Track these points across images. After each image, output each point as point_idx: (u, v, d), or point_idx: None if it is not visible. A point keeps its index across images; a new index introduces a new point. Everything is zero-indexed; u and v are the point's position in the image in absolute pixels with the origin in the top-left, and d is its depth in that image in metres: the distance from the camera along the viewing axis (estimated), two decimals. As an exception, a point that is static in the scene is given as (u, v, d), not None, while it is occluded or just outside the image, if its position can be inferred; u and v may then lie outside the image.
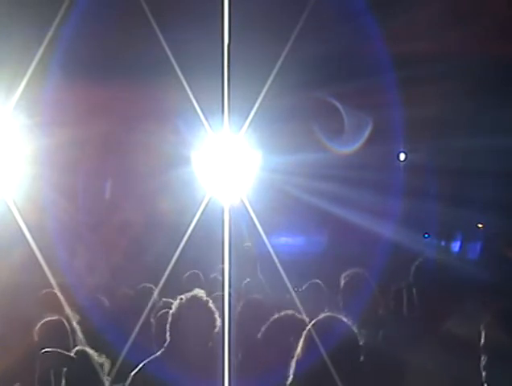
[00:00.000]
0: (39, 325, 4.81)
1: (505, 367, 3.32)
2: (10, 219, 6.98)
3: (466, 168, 12.60)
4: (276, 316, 3.11)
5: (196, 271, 7.38)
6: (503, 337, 3.50)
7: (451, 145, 12.47)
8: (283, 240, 13.77)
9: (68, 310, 5.31)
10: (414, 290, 4.79)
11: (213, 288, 6.45)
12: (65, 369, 3.82)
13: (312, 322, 3.05)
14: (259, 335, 3.08)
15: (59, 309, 5.63)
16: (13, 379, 3.60)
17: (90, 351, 3.92)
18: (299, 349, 2.97)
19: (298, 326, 3.03)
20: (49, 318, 4.86)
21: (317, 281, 6.33)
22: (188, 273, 7.35)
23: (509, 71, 10.01)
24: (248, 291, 6.76)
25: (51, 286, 5.92)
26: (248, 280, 7.25)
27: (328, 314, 3.08)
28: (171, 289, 6.85)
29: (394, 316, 5.13)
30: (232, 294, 5.49)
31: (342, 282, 5.19)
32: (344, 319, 3.05)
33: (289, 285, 5.86)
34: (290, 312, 3.10)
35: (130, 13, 7.79)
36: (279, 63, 7.73)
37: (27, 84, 7.16)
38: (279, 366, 2.92)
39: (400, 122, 11.72)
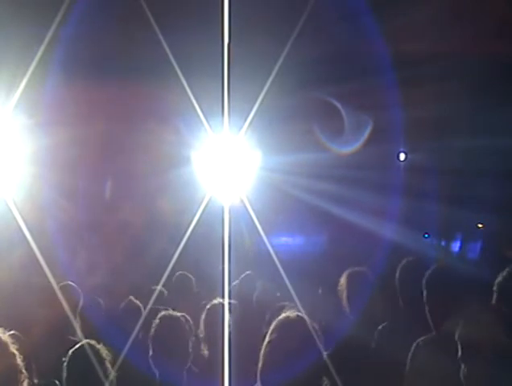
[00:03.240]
0: None
1: (505, 366, 3.33)
2: (10, 219, 6.98)
3: (466, 168, 12.60)
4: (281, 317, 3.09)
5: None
6: (503, 337, 3.50)
7: (451, 145, 12.48)
8: (283, 239, 13.79)
9: (67, 309, 5.31)
10: (414, 290, 4.79)
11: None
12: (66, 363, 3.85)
13: (274, 322, 3.04)
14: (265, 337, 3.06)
15: (58, 308, 5.64)
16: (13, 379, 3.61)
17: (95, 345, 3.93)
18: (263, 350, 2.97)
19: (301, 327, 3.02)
20: None
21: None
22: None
23: (509, 71, 10.01)
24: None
25: (50, 286, 5.92)
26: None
27: (288, 313, 3.07)
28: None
29: (394, 315, 5.13)
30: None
31: (344, 281, 5.18)
32: (305, 317, 3.05)
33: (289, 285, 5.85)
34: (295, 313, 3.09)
35: (130, 13, 7.80)
36: (279, 63, 7.73)
37: (27, 84, 7.16)
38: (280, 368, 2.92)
39: (400, 122, 11.72)
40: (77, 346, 3.93)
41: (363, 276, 5.17)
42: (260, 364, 2.96)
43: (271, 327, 3.03)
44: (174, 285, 6.98)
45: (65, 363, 3.86)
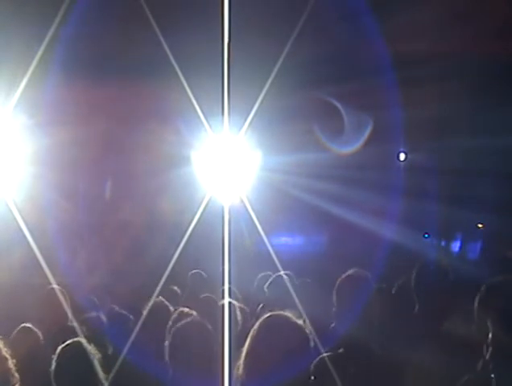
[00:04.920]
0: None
1: (505, 366, 3.33)
2: (10, 219, 6.99)
3: (466, 168, 12.61)
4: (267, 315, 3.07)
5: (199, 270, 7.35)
6: (503, 337, 3.50)
7: (451, 145, 12.48)
8: (283, 239, 13.79)
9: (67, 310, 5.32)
10: (414, 290, 4.80)
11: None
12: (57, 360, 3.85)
13: (259, 321, 3.02)
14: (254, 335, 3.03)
15: (58, 309, 5.65)
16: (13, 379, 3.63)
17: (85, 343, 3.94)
18: (245, 349, 2.94)
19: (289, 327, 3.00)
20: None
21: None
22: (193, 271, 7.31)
23: (509, 71, 10.01)
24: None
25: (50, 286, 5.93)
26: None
27: (274, 312, 3.05)
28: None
29: (394, 316, 5.13)
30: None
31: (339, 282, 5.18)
32: (291, 316, 3.03)
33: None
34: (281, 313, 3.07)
35: (130, 13, 7.80)
36: (279, 63, 7.74)
37: (27, 84, 7.16)
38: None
39: (400, 122, 11.72)
40: (66, 344, 3.94)
41: (363, 278, 5.16)
42: (242, 365, 2.92)
43: (255, 327, 3.00)
44: (189, 283, 6.97)
45: (54, 360, 3.88)
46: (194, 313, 4.66)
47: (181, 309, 4.77)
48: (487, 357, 3.32)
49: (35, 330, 4.76)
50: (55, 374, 3.84)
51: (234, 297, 5.53)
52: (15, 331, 4.85)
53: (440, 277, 4.68)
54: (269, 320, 2.98)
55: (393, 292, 5.14)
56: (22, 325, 4.85)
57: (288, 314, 3.03)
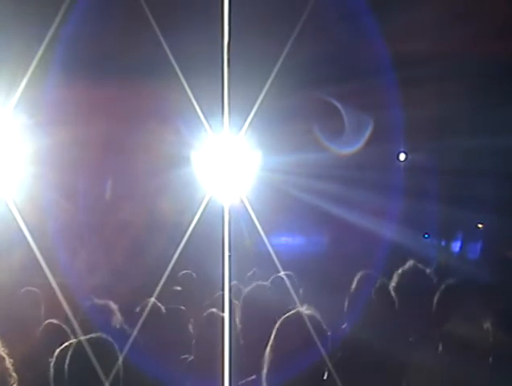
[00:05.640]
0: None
1: (505, 366, 3.34)
2: (10, 219, 6.98)
3: (466, 168, 12.61)
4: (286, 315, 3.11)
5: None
6: (503, 337, 3.51)
7: (451, 145, 12.48)
8: (283, 239, 13.80)
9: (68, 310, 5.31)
10: (414, 290, 4.80)
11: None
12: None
13: (281, 318, 3.06)
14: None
15: (58, 309, 5.64)
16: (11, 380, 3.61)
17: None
18: (269, 346, 2.98)
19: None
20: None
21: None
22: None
23: (509, 71, 10.02)
24: None
25: (50, 286, 5.92)
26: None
27: (296, 309, 3.09)
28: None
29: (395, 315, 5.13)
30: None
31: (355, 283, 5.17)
32: (314, 314, 3.06)
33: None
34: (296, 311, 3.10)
35: (130, 13, 7.80)
36: (279, 63, 7.74)
37: (28, 84, 7.16)
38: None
39: (400, 122, 11.73)
40: (64, 345, 3.94)
41: (373, 279, 5.16)
42: (266, 361, 2.96)
43: (277, 324, 3.04)
44: (180, 284, 7.02)
45: (52, 363, 3.87)
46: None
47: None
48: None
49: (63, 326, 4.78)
50: (54, 377, 3.83)
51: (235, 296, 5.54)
52: (41, 328, 4.89)
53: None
54: (289, 318, 3.03)
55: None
56: (48, 321, 4.88)
57: (305, 310, 3.08)
